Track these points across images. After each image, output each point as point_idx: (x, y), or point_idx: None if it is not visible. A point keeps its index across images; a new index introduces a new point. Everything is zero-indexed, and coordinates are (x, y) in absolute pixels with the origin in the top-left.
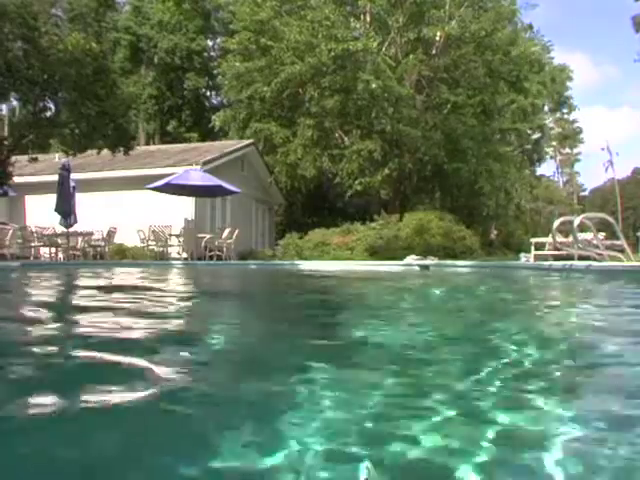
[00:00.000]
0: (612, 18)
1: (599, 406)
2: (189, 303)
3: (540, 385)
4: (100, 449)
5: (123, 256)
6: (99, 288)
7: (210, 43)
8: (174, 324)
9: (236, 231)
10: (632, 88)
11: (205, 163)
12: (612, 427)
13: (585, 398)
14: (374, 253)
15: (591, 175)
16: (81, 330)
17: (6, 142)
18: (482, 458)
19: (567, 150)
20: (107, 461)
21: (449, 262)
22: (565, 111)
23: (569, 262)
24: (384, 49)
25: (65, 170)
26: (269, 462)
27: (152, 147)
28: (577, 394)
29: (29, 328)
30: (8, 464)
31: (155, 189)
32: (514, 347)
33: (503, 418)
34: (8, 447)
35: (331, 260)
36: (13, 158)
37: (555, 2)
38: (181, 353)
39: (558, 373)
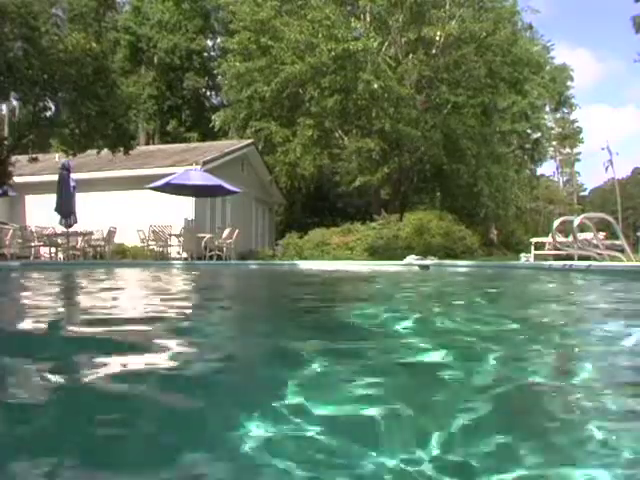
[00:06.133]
0: (614, 14)
1: None
2: None
3: None
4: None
5: (123, 256)
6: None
7: (210, 43)
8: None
9: (236, 231)
10: (635, 87)
11: (205, 163)
12: None
13: None
14: (374, 253)
15: (591, 175)
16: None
17: (6, 142)
18: None
19: (567, 150)
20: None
21: (449, 262)
22: (566, 111)
23: (569, 262)
24: (384, 49)
25: (65, 170)
26: None
27: (152, 147)
28: None
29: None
30: None
31: (155, 189)
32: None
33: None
34: None
35: (331, 260)
36: (13, 158)
37: None
38: None
39: None
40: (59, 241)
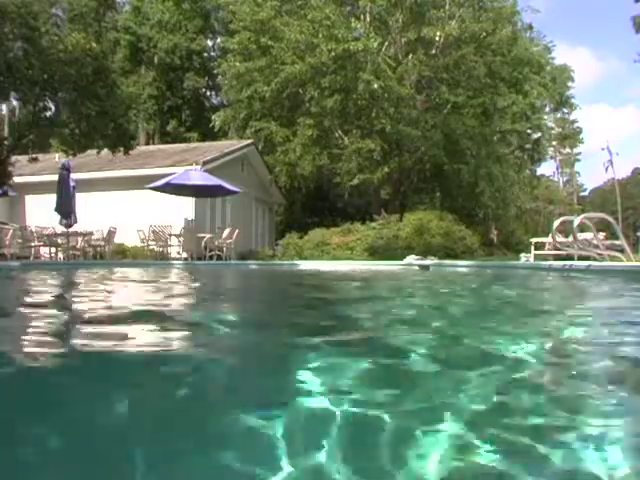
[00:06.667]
0: (614, 14)
1: None
2: None
3: None
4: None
5: (123, 256)
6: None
7: (210, 43)
8: None
9: (236, 231)
10: (635, 87)
11: (205, 163)
12: None
13: None
14: (374, 253)
15: (591, 175)
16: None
17: (6, 142)
18: None
19: (567, 150)
20: None
21: (449, 262)
22: (566, 111)
23: (569, 262)
24: (384, 49)
25: (65, 170)
26: None
27: (152, 147)
28: None
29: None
30: None
31: (155, 189)
32: None
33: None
34: None
35: (331, 260)
36: (13, 158)
37: None
38: None
39: None
40: (59, 241)
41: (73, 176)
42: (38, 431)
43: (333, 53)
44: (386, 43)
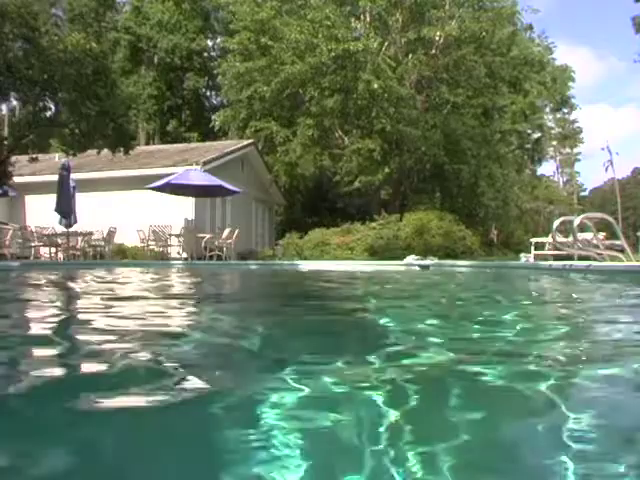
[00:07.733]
0: (615, 13)
1: None
2: None
3: None
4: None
5: (123, 256)
6: None
7: (210, 43)
8: None
9: (236, 231)
10: (635, 86)
11: (205, 163)
12: None
13: None
14: (374, 253)
15: (591, 175)
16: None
17: (6, 142)
18: None
19: (567, 150)
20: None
21: (449, 262)
22: (566, 111)
23: (569, 262)
24: (384, 49)
25: (65, 170)
26: None
27: (152, 147)
28: None
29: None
30: None
31: (155, 189)
32: None
33: None
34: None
35: (331, 260)
36: (13, 158)
37: None
38: None
39: None
40: (59, 241)
41: (73, 176)
42: None
43: (333, 53)
44: (386, 43)
